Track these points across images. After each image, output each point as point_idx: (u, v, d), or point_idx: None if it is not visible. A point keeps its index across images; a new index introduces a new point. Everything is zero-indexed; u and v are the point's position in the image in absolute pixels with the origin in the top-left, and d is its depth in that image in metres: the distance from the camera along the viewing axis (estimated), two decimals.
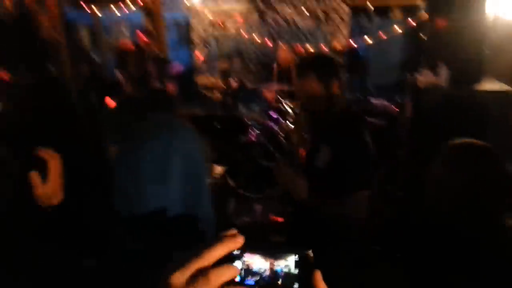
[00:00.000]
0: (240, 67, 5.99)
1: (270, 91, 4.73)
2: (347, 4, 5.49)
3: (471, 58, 3.48)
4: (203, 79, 5.76)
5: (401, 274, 1.31)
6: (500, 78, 3.66)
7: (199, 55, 6.12)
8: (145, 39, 4.85)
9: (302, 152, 2.60)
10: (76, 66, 5.06)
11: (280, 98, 4.50)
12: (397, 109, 4.42)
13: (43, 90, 1.62)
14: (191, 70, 6.28)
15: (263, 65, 5.85)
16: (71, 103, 1.73)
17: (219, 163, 3.63)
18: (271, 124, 4.44)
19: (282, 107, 4.45)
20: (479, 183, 1.23)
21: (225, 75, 5.59)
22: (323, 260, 0.57)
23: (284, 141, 4.22)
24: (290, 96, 4.49)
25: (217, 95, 4.88)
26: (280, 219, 2.97)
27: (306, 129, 4.32)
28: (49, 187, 1.06)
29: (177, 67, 4.41)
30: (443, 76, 3.45)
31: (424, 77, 3.52)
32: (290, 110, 4.35)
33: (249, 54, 5.95)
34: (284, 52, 4.80)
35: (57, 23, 4.49)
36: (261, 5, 5.77)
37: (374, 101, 4.92)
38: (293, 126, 4.30)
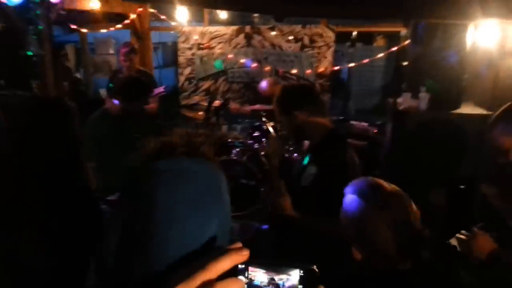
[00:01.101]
0: (224, 87, 6.03)
1: (252, 111, 4.77)
2: (332, 30, 5.61)
3: (451, 83, 3.58)
4: (187, 99, 5.77)
5: None
6: (478, 103, 3.75)
7: (184, 75, 6.15)
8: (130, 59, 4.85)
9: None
10: (60, 84, 5.04)
11: (262, 118, 4.53)
12: (376, 132, 4.49)
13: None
14: (175, 89, 6.30)
15: (247, 86, 5.91)
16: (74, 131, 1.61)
17: None
18: (253, 143, 4.45)
19: (264, 127, 4.48)
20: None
21: (208, 94, 5.63)
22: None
23: (265, 160, 4.22)
24: (271, 116, 4.53)
25: (200, 114, 4.88)
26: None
27: (291, 150, 4.35)
28: None
29: (159, 90, 4.42)
30: (423, 100, 3.52)
31: (404, 101, 3.58)
32: (271, 130, 4.37)
33: (234, 74, 6.00)
34: (268, 84, 4.87)
35: (45, 40, 4.47)
36: (247, 28, 5.87)
37: (355, 123, 4.99)
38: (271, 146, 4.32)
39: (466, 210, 3.11)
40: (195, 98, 5.79)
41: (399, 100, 3.59)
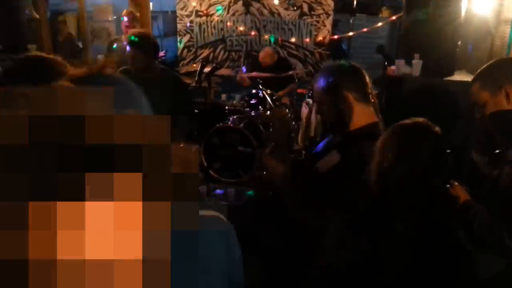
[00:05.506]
0: (223, 55, 6.03)
1: (249, 78, 4.80)
2: None
3: (445, 51, 3.57)
4: (186, 67, 5.78)
5: None
6: (472, 71, 3.75)
7: (182, 43, 6.15)
8: (133, 26, 4.91)
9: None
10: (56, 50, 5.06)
11: (259, 86, 4.55)
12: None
13: None
14: (175, 58, 6.30)
15: (246, 54, 5.90)
16: None
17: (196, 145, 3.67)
18: (250, 110, 4.49)
19: (260, 94, 4.51)
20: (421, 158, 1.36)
21: (207, 62, 5.62)
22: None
23: (262, 128, 4.27)
24: (269, 83, 4.55)
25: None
26: None
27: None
28: None
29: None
30: (416, 67, 3.53)
31: (398, 68, 3.59)
32: (268, 98, 4.40)
33: (232, 43, 5.99)
34: (265, 54, 4.89)
35: (41, 4, 4.48)
36: None
37: None
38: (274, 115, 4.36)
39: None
40: (194, 66, 5.79)
41: (393, 67, 3.60)
